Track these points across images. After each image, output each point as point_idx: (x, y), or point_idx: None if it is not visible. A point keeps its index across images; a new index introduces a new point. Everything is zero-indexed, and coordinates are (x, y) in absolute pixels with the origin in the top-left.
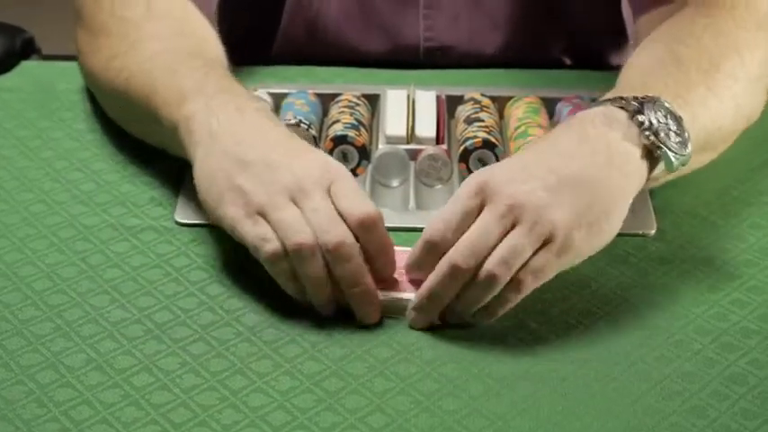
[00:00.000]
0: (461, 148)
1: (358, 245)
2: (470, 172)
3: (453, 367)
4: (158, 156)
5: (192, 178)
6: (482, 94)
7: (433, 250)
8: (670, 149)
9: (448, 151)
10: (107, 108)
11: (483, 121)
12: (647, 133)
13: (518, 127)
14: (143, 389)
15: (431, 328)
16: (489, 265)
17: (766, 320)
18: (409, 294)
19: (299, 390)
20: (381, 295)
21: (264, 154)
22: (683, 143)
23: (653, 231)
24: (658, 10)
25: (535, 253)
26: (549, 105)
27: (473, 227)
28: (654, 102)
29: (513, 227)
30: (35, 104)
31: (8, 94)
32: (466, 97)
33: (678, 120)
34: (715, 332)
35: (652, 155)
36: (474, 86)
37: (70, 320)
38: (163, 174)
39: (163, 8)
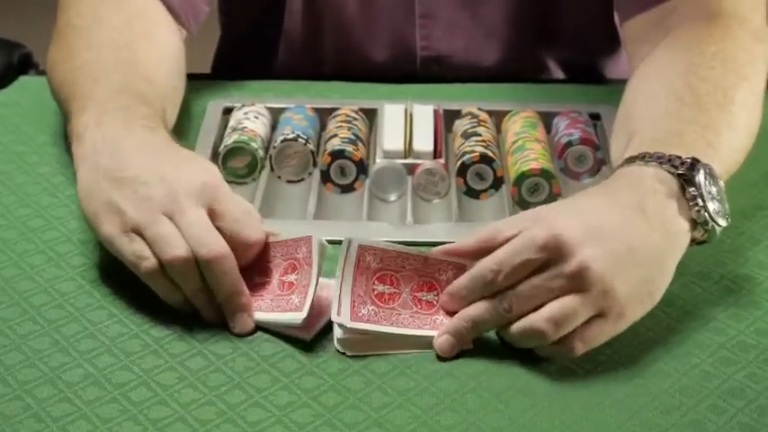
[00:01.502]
0: (459, 162)
1: (233, 258)
2: (468, 186)
3: (451, 382)
4: None
5: None
6: (479, 109)
7: (481, 288)
8: (716, 223)
9: (445, 166)
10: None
11: (480, 135)
12: (697, 208)
13: (515, 141)
14: (141, 404)
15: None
16: (538, 319)
17: (764, 335)
18: (428, 332)
19: (297, 404)
20: (409, 331)
21: (141, 170)
22: (724, 212)
23: None
24: (644, 14)
25: (589, 320)
26: (547, 119)
27: (539, 278)
28: (702, 168)
29: (573, 291)
30: (33, 119)
31: (6, 109)
32: (463, 111)
33: (719, 186)
34: (713, 346)
35: (697, 225)
36: (471, 101)
37: (68, 335)
38: None
39: (109, 18)
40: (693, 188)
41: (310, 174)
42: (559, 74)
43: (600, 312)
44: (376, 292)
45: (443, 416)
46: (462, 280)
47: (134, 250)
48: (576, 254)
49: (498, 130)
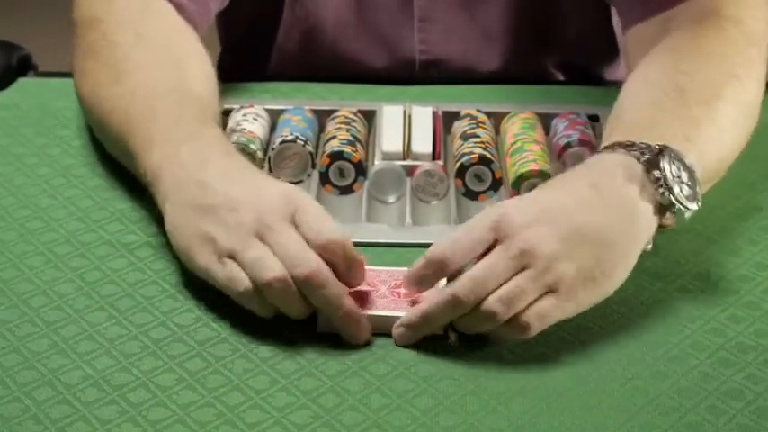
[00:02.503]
0: (458, 164)
1: (329, 270)
2: (466, 188)
3: (450, 383)
4: None
5: None
6: (478, 110)
7: (435, 268)
8: (683, 206)
9: (444, 167)
10: (94, 129)
11: (479, 137)
12: (661, 190)
13: (514, 143)
14: (139, 405)
15: (429, 344)
16: (490, 301)
17: (762, 335)
18: (399, 313)
19: (296, 406)
20: (371, 312)
21: (227, 197)
22: (694, 196)
23: (649, 247)
24: (646, 23)
25: (539, 297)
26: (545, 121)
27: (482, 262)
28: (669, 154)
29: (521, 269)
30: (32, 121)
31: (5, 111)
32: (462, 113)
33: (690, 171)
34: (711, 347)
35: (664, 209)
36: (470, 102)
37: (67, 337)
38: None
39: (151, 35)
40: (657, 171)
41: (309, 175)
42: (558, 78)
43: (549, 290)
44: (352, 291)
45: (442, 417)
46: (417, 263)
47: (227, 275)
48: (519, 234)
49: (497, 131)
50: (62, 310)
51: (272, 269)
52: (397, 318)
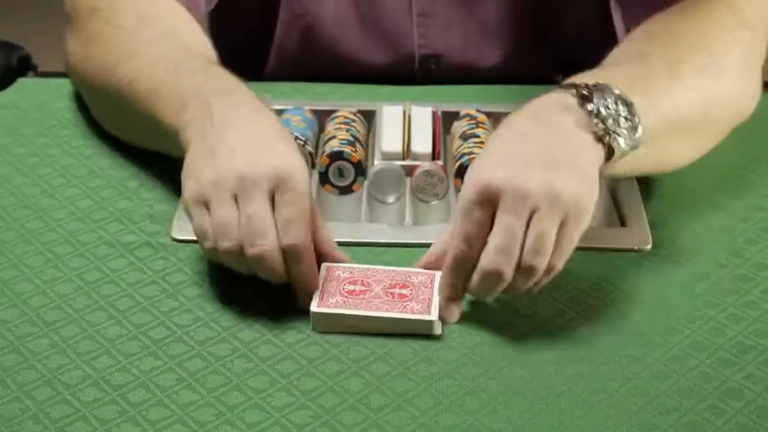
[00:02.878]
0: (457, 164)
1: (280, 254)
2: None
3: (449, 383)
4: (155, 172)
5: None
6: (478, 110)
7: (464, 268)
8: (618, 135)
9: (444, 167)
10: (103, 115)
11: (479, 137)
12: (595, 120)
13: None
14: (139, 405)
15: (428, 343)
16: (527, 259)
17: (762, 335)
18: (394, 314)
19: (296, 406)
20: (366, 313)
21: (233, 144)
22: (634, 128)
23: (648, 246)
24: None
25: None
26: None
27: (497, 231)
28: (603, 89)
29: (531, 214)
30: (31, 121)
31: (4, 111)
32: (462, 113)
33: (629, 105)
34: (711, 347)
35: (603, 141)
36: (470, 102)
37: (66, 337)
38: (159, 190)
39: (154, 17)
40: (590, 104)
41: (309, 175)
42: (558, 73)
43: (562, 219)
44: (346, 290)
45: (442, 417)
46: (446, 274)
47: (199, 226)
48: (507, 187)
49: None
50: (62, 309)
51: (228, 239)
52: (393, 318)
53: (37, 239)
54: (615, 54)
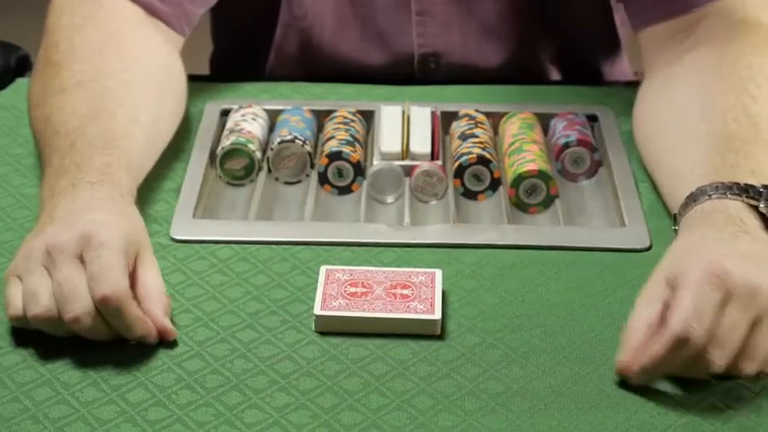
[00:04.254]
0: (456, 164)
1: (95, 313)
2: (465, 188)
3: (449, 383)
4: (154, 172)
5: (186, 195)
6: (477, 110)
7: (685, 346)
8: None
9: (443, 167)
10: None
11: (478, 137)
12: None
13: (513, 143)
14: (138, 405)
15: (427, 343)
16: (750, 365)
17: None
18: (396, 315)
19: (295, 406)
20: (368, 315)
21: (47, 223)
22: None
23: (647, 246)
24: (664, 24)
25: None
26: (544, 121)
27: (726, 325)
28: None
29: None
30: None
31: (3, 111)
32: (461, 113)
33: None
34: None
35: None
36: (469, 102)
37: (65, 337)
38: (158, 190)
39: (83, 48)
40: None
41: (308, 175)
42: (557, 72)
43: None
44: (348, 292)
45: (441, 417)
46: (663, 345)
47: (7, 295)
48: (747, 281)
49: (495, 131)
50: None
51: (40, 306)
52: (397, 319)
53: None
54: (716, 113)
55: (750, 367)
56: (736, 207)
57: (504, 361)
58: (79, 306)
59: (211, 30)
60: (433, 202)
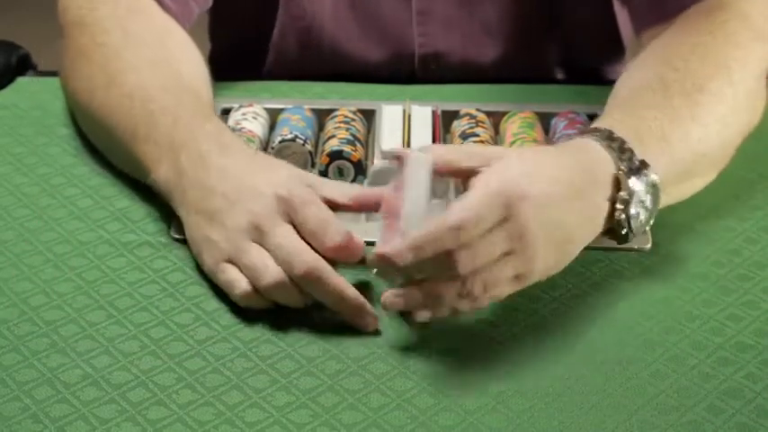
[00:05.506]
0: None
1: (326, 265)
2: (465, 188)
3: (449, 382)
4: None
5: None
6: (477, 110)
7: (449, 239)
8: (630, 230)
9: None
10: (88, 133)
11: (478, 136)
12: (620, 211)
13: (513, 142)
14: (139, 404)
15: (428, 343)
16: (477, 288)
17: (762, 335)
18: None
19: (295, 405)
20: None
21: (224, 199)
22: (648, 221)
23: (648, 246)
24: (662, 26)
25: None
26: (545, 120)
27: (489, 240)
28: (644, 176)
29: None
30: (31, 121)
31: (4, 110)
32: (461, 112)
33: (656, 195)
34: (711, 347)
35: (613, 222)
36: (469, 102)
37: (66, 336)
38: None
39: (139, 34)
40: (626, 192)
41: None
42: (559, 74)
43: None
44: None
45: (441, 416)
46: (432, 231)
47: (227, 279)
48: (530, 221)
49: (496, 130)
50: (61, 309)
51: (268, 274)
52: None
53: (36, 239)
54: (636, 81)
55: (477, 289)
56: (600, 155)
57: (504, 360)
58: (307, 258)
59: (209, 30)
60: (434, 201)
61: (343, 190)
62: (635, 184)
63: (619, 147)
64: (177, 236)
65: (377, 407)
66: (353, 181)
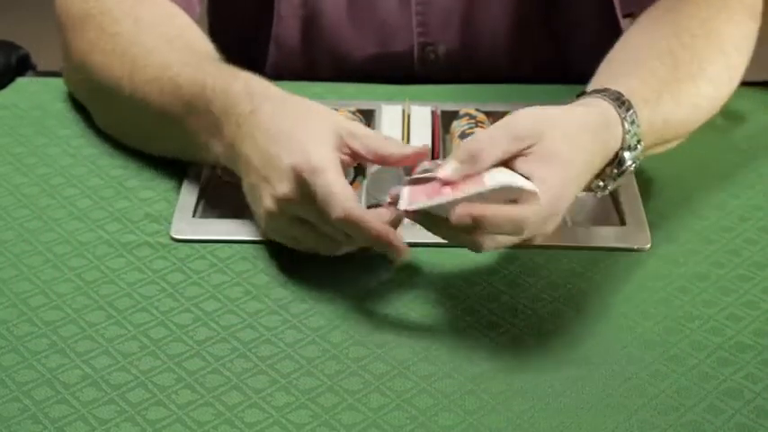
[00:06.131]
0: None
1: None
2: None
3: (449, 383)
4: (154, 172)
5: (186, 194)
6: (477, 110)
7: (472, 159)
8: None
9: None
10: (114, 127)
11: None
12: (616, 179)
13: None
14: (138, 405)
15: (427, 343)
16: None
17: (761, 335)
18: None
19: (295, 405)
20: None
21: (256, 175)
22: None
23: (648, 246)
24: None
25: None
26: None
27: (518, 216)
28: (638, 149)
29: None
30: (31, 121)
31: (3, 110)
32: (461, 112)
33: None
34: (710, 347)
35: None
36: (469, 102)
37: (65, 336)
38: (158, 190)
39: (150, 20)
40: (621, 167)
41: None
42: (557, 69)
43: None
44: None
45: (441, 417)
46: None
47: (288, 229)
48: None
49: None
50: (61, 309)
51: (333, 206)
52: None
53: (36, 239)
54: (647, 47)
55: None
56: (612, 118)
57: (504, 361)
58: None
59: (209, 28)
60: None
61: (381, 144)
62: (629, 158)
63: (633, 123)
64: (176, 236)
65: (376, 407)
66: (353, 181)
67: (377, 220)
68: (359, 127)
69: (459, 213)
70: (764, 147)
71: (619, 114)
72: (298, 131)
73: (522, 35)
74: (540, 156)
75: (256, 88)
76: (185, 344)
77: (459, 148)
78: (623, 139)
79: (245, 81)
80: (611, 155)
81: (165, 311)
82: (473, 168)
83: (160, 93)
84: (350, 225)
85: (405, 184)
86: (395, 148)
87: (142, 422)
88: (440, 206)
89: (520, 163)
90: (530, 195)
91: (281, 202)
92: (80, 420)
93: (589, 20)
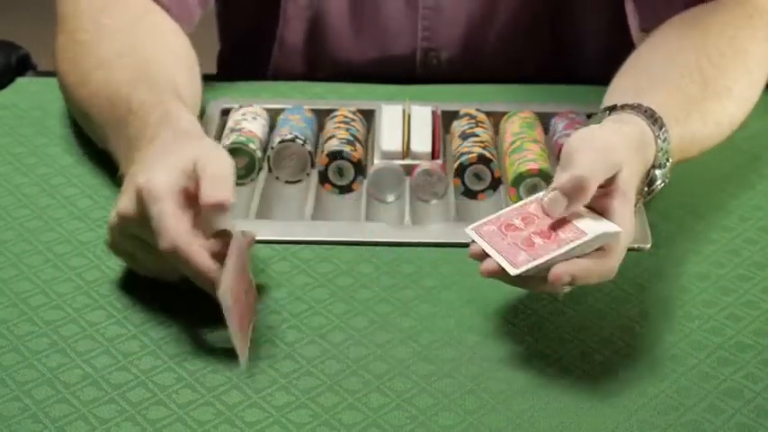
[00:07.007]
0: (457, 163)
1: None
2: (465, 187)
3: (449, 382)
4: None
5: None
6: (477, 110)
7: (580, 190)
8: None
9: (443, 166)
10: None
11: (478, 136)
12: (647, 196)
13: (513, 142)
14: (139, 404)
15: (428, 343)
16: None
17: (761, 335)
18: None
19: (295, 405)
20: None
21: (132, 172)
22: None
23: (648, 246)
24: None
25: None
26: (545, 120)
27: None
28: (666, 172)
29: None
30: (31, 121)
31: (4, 110)
32: (461, 112)
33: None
34: (710, 347)
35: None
36: (469, 102)
37: (66, 336)
38: None
39: (113, 26)
40: (652, 186)
41: (308, 174)
42: (561, 72)
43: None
44: (521, 241)
45: (441, 416)
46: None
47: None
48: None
49: (496, 130)
50: (61, 309)
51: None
52: (585, 243)
53: (36, 239)
54: (676, 62)
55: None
56: (648, 139)
57: (505, 361)
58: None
59: (218, 29)
60: (434, 202)
61: (207, 189)
62: (659, 179)
63: (659, 126)
64: None
65: (377, 407)
66: (353, 181)
67: (203, 255)
68: (217, 166)
69: (558, 274)
70: (764, 147)
71: (653, 132)
72: (159, 157)
73: (527, 43)
74: (616, 189)
75: (170, 119)
76: (185, 343)
77: (557, 174)
78: (655, 157)
79: (164, 113)
80: (646, 173)
81: (166, 311)
82: (580, 201)
83: (99, 110)
84: (175, 258)
85: (474, 232)
86: (207, 195)
87: (142, 421)
88: (548, 261)
89: (599, 196)
90: (614, 236)
91: (121, 217)
92: (80, 420)
93: (598, 32)
